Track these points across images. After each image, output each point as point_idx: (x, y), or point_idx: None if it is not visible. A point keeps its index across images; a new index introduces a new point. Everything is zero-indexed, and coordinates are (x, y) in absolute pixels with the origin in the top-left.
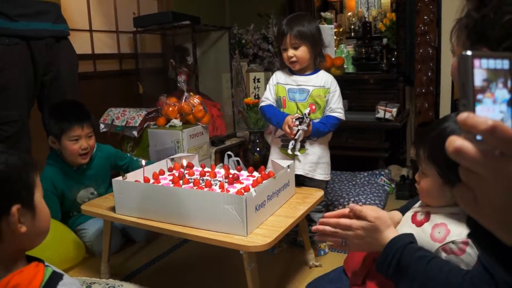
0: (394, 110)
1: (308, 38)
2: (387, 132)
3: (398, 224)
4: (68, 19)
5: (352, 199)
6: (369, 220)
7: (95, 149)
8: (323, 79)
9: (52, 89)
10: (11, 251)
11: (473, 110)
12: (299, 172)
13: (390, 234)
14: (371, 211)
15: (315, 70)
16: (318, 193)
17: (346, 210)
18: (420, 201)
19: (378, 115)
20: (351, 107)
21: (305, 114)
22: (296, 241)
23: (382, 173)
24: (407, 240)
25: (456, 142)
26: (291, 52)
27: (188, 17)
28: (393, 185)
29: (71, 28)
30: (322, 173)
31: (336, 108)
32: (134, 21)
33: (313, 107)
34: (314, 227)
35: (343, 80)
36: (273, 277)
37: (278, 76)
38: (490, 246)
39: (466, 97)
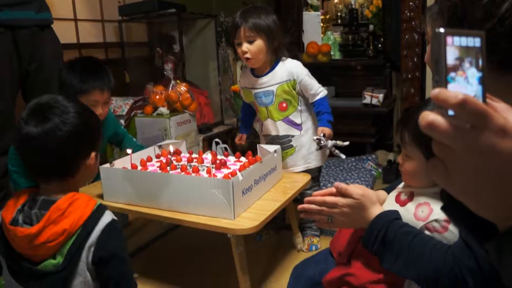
0: (381, 96)
1: (264, 31)
2: (374, 117)
3: (383, 203)
4: (52, 7)
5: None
6: (355, 197)
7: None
8: (287, 71)
9: (37, 78)
10: (74, 185)
11: (445, 87)
12: (300, 169)
13: (375, 210)
14: (357, 188)
15: (275, 64)
16: (305, 178)
17: (332, 189)
18: (403, 183)
19: (365, 101)
20: (338, 94)
21: (320, 139)
22: (284, 227)
23: (369, 158)
24: (393, 216)
25: (428, 116)
26: (245, 47)
27: (174, 5)
28: (380, 170)
29: (55, 17)
30: (316, 160)
31: (316, 90)
32: (119, 10)
33: (284, 105)
34: (300, 206)
35: (330, 67)
36: (262, 261)
37: (242, 81)
38: (463, 218)
39: (438, 73)
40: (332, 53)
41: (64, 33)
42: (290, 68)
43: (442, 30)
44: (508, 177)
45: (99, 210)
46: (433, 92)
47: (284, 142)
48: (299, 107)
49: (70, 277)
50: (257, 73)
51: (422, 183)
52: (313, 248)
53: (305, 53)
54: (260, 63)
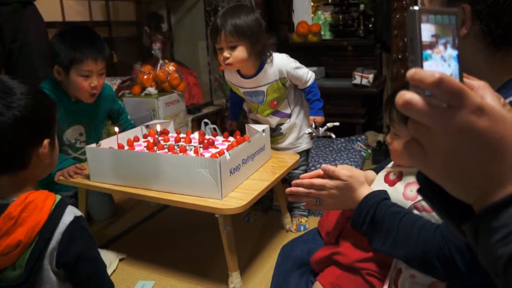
0: (371, 76)
1: (246, 35)
2: (364, 98)
3: (372, 183)
4: None
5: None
6: (342, 179)
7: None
8: (275, 71)
9: (20, 57)
10: (30, 178)
11: (421, 66)
12: (285, 145)
13: (364, 191)
14: (344, 170)
15: (261, 65)
16: (293, 157)
17: (319, 171)
18: (392, 162)
19: (355, 82)
20: (328, 74)
21: (312, 132)
22: (272, 207)
23: (359, 139)
24: (381, 196)
25: (405, 95)
26: (227, 53)
27: None
28: (369, 151)
29: None
30: (305, 143)
31: (306, 78)
32: None
33: (275, 102)
34: (288, 189)
35: (320, 47)
36: (250, 241)
37: (228, 76)
38: (439, 200)
39: (414, 52)
40: (322, 33)
41: (49, 11)
42: (279, 67)
43: (416, 8)
44: (485, 157)
45: (58, 210)
46: (408, 72)
47: (275, 130)
48: (286, 99)
49: (36, 286)
50: (243, 74)
51: (404, 162)
52: (302, 228)
53: (295, 32)
54: (242, 67)
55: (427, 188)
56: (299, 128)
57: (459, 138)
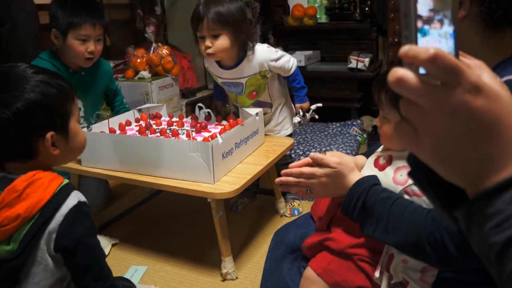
0: (367, 60)
1: (230, 24)
2: (359, 82)
3: (360, 165)
4: None
5: (324, 149)
6: (332, 166)
7: (97, 62)
8: (256, 64)
9: (10, 40)
10: (45, 165)
11: (415, 42)
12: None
13: (354, 177)
14: (333, 157)
15: (242, 57)
16: (287, 141)
17: (308, 159)
18: (382, 146)
19: (351, 65)
20: (324, 58)
21: (301, 117)
22: (258, 192)
23: (354, 123)
24: (372, 181)
25: (398, 72)
26: (208, 42)
27: None
28: (365, 135)
29: None
30: (285, 129)
31: (288, 67)
32: None
33: (254, 93)
34: (277, 179)
35: (315, 30)
36: (244, 226)
37: (207, 64)
38: (431, 185)
39: (408, 28)
40: (318, 16)
41: None
42: (259, 59)
43: None
44: (480, 138)
45: (63, 192)
46: (402, 49)
47: None
48: (267, 89)
49: (27, 264)
50: (223, 64)
51: (400, 145)
52: (296, 212)
53: (290, 16)
54: (224, 58)
55: (418, 172)
56: (277, 116)
57: (454, 118)
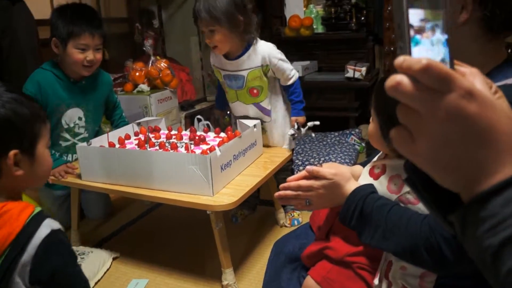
0: (364, 69)
1: (222, 19)
2: (357, 91)
3: (357, 175)
4: None
5: (323, 159)
6: (328, 178)
7: (97, 73)
8: (258, 57)
9: (10, 54)
10: (10, 187)
11: (410, 52)
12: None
13: (351, 186)
14: (329, 168)
15: (246, 48)
16: (286, 153)
17: (305, 172)
18: (378, 155)
19: (348, 75)
20: (321, 68)
21: (295, 130)
22: (258, 203)
23: (353, 132)
24: (368, 190)
25: (395, 77)
26: (208, 37)
27: None
28: (363, 144)
29: None
30: (286, 144)
31: (289, 74)
32: None
33: (255, 91)
34: (276, 194)
35: (312, 41)
36: (244, 237)
37: (212, 59)
38: (427, 190)
39: (402, 39)
40: (314, 27)
41: (39, 8)
42: (263, 53)
43: None
44: (473, 143)
45: (34, 222)
46: (396, 60)
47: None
48: (269, 93)
49: None
50: (228, 55)
51: (381, 146)
52: (295, 222)
53: (287, 27)
54: (228, 49)
55: (415, 177)
56: (278, 129)
57: (448, 123)
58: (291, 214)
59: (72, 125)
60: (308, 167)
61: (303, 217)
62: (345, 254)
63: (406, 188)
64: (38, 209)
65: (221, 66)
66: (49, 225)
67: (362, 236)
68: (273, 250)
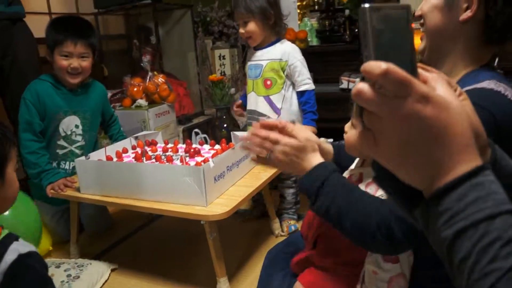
0: (358, 81)
1: (255, 12)
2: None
3: (326, 153)
4: (25, 1)
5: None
6: (299, 139)
7: (91, 82)
8: (281, 51)
9: (12, 73)
10: None
11: (374, 60)
12: None
13: (314, 158)
14: (302, 132)
15: (275, 41)
16: None
17: (278, 124)
18: (354, 164)
19: (342, 86)
20: (316, 80)
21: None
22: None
23: None
24: (332, 167)
25: (357, 86)
26: (241, 28)
27: None
28: None
29: (28, 11)
30: None
31: (302, 80)
32: (94, 2)
33: (268, 82)
34: (242, 137)
35: (307, 53)
36: (240, 247)
37: (248, 54)
38: (393, 187)
39: (367, 48)
40: (309, 39)
41: (39, 27)
42: (285, 49)
43: (366, 5)
44: (430, 144)
45: (0, 247)
46: (362, 66)
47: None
48: (283, 91)
49: None
50: (256, 46)
51: (356, 153)
52: (292, 228)
53: None
54: (259, 41)
55: (381, 176)
56: None
57: (406, 126)
58: (288, 222)
59: (69, 132)
60: (283, 120)
61: (299, 226)
62: (331, 262)
63: (380, 192)
64: (5, 231)
65: (249, 58)
66: (16, 250)
67: (318, 208)
68: (266, 258)
